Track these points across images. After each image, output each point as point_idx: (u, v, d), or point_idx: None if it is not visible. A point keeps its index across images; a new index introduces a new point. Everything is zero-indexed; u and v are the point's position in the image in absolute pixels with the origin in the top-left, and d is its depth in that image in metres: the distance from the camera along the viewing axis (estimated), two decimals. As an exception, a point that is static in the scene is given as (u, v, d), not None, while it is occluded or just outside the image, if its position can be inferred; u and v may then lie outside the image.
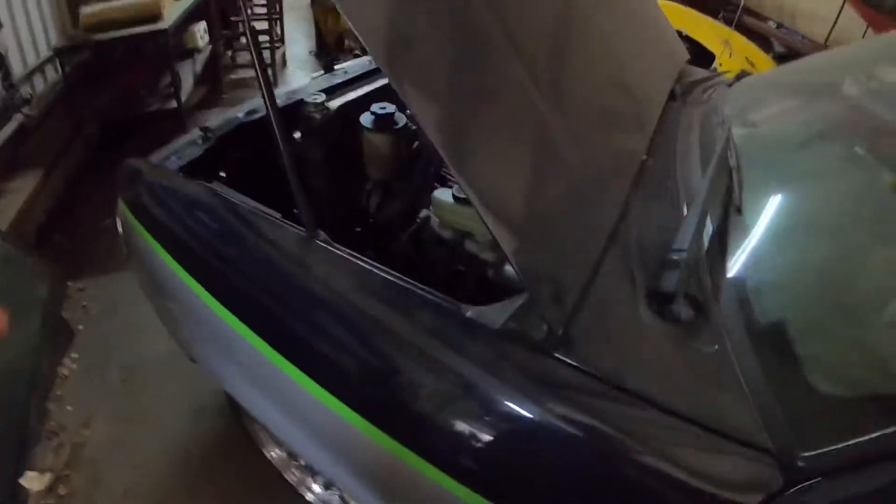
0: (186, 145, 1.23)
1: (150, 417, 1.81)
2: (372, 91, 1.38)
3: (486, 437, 0.61)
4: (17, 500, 1.53)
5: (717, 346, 0.60)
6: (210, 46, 3.60)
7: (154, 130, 3.18)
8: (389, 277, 0.80)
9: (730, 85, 1.40)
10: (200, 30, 3.47)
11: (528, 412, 0.59)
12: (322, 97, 1.24)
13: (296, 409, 0.83)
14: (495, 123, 0.69)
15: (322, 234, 0.89)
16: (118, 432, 1.77)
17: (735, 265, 0.69)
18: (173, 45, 2.88)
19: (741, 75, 1.53)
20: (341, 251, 0.86)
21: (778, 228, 0.74)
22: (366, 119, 1.21)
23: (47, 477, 1.64)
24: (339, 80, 1.46)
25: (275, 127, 0.86)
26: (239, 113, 1.34)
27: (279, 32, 4.12)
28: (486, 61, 0.72)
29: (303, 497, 1.56)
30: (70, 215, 2.57)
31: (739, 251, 0.71)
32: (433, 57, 0.67)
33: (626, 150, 0.93)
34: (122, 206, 1.18)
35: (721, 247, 0.70)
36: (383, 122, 1.19)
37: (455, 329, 0.68)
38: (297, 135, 1.27)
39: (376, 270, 0.81)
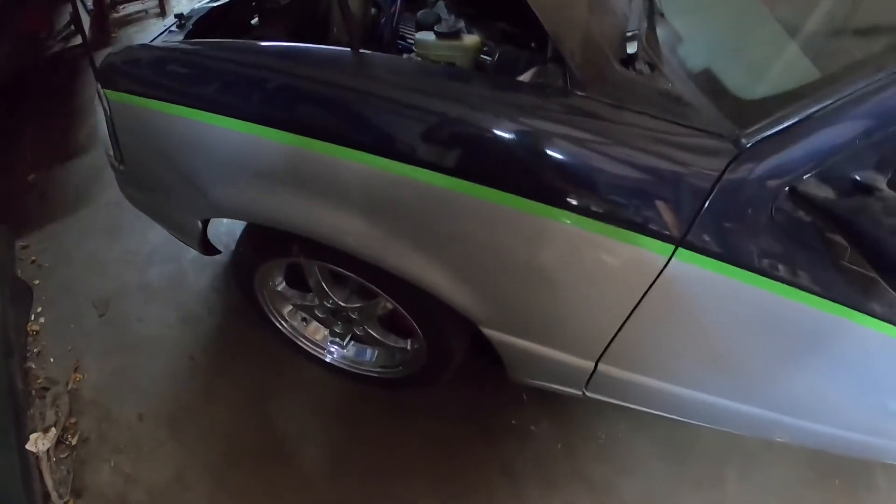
0: (165, 34, 1.22)
1: (141, 341, 1.69)
2: None
3: (540, 150, 0.86)
4: (30, 468, 1.42)
5: (670, 85, 0.89)
6: (92, -18, 3.28)
7: (49, 78, 2.85)
8: (446, 66, 1.12)
9: None
10: (80, -35, 3.13)
11: (559, 128, 0.86)
12: None
13: (385, 198, 0.97)
14: None
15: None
16: (113, 365, 1.65)
17: (664, 40, 1.02)
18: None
19: None
20: (392, 56, 1.03)
21: (687, 20, 1.12)
22: None
23: (52, 433, 1.52)
24: None
25: None
26: None
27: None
28: None
29: (322, 360, 1.47)
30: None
31: (645, 32, 1.02)
32: None
33: None
34: (116, 98, 1.12)
35: (654, 31, 1.04)
36: None
37: (501, 86, 0.95)
38: (255, 21, 1.42)
39: (433, 64, 1.10)
